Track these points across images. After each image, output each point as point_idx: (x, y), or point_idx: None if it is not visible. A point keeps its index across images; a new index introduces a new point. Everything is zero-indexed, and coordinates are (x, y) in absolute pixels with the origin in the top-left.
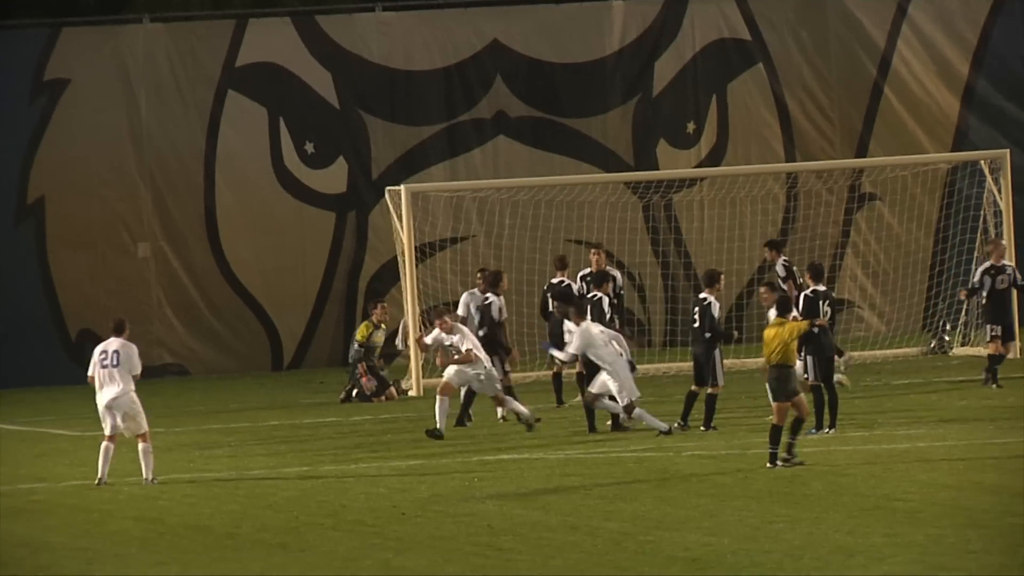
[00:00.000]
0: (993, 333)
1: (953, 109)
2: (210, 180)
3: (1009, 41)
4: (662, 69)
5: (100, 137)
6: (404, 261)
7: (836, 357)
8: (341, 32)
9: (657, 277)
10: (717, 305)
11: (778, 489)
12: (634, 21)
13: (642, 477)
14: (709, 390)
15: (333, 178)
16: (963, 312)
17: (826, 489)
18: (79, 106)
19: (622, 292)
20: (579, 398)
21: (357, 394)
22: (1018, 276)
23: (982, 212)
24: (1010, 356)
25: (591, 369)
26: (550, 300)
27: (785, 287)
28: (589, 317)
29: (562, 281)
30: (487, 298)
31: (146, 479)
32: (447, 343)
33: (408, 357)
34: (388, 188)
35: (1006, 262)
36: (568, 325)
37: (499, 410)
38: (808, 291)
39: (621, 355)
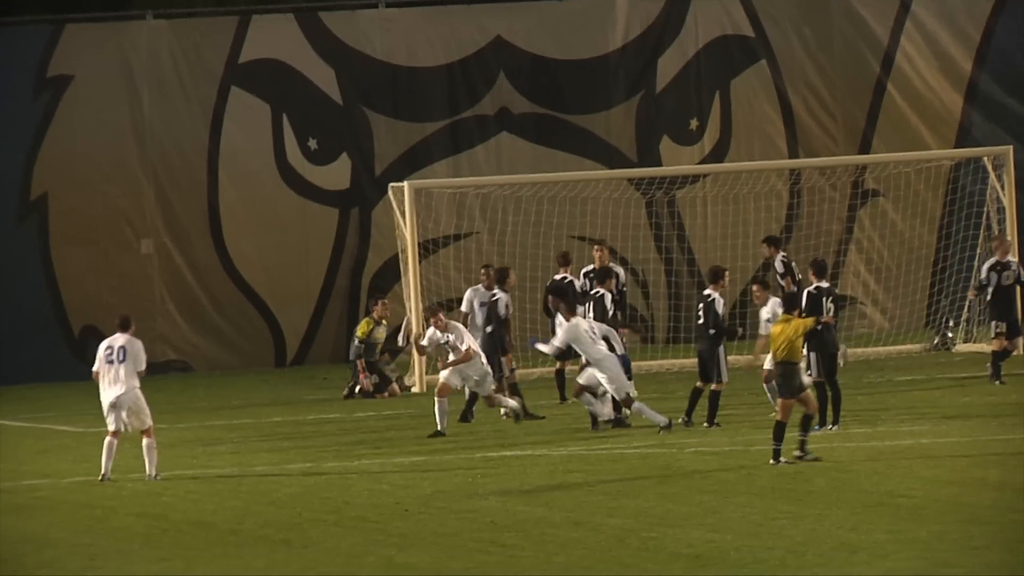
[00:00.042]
0: (998, 330)
1: (956, 105)
2: (213, 176)
3: (1012, 37)
4: (665, 66)
5: (103, 133)
6: (408, 257)
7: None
8: (344, 28)
9: (660, 273)
10: (721, 301)
11: (781, 485)
12: (637, 18)
13: (645, 473)
14: (713, 386)
15: (336, 174)
16: (965, 308)
17: (829, 485)
18: (82, 102)
19: (625, 289)
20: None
21: (360, 390)
22: (1022, 272)
23: (985, 208)
24: (1016, 352)
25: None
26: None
27: (784, 283)
28: (592, 314)
29: (564, 277)
30: (495, 294)
31: (149, 475)
32: (443, 341)
33: (411, 353)
34: (391, 184)
35: (1011, 258)
36: (559, 319)
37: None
38: (811, 288)
39: (613, 351)
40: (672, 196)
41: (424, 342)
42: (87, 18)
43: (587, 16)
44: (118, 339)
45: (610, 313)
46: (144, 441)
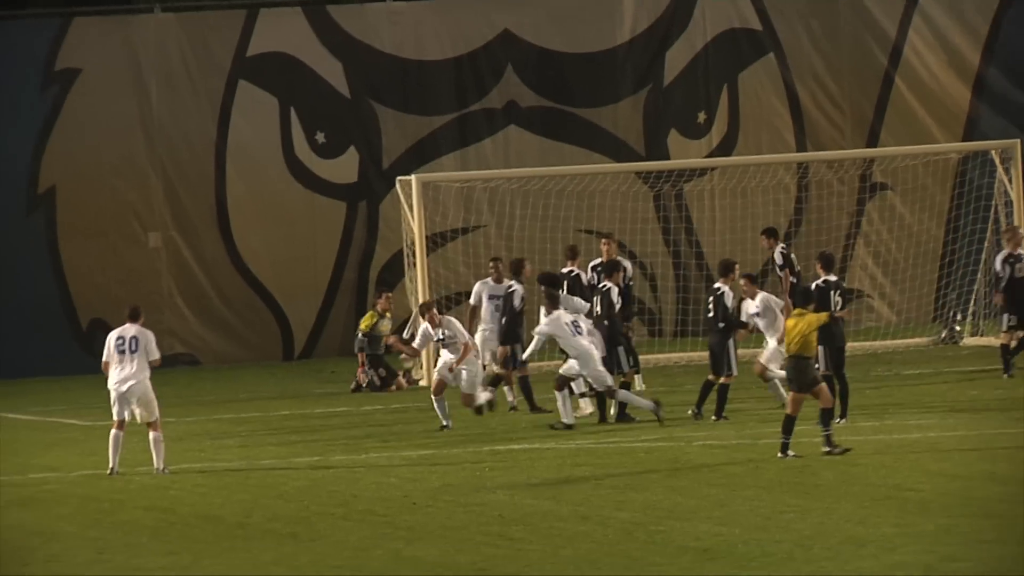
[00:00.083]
0: (1010, 323)
1: (964, 98)
2: (221, 170)
3: (1020, 30)
4: (673, 59)
5: (111, 127)
6: (415, 250)
7: None
8: (352, 22)
9: (668, 267)
10: (731, 295)
11: (789, 479)
12: (645, 11)
13: (653, 467)
14: (722, 379)
15: (344, 168)
16: (972, 302)
17: (837, 479)
18: (90, 96)
19: (631, 282)
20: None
21: (368, 384)
22: None
23: (993, 202)
24: None
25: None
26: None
27: (782, 275)
28: (599, 308)
29: (572, 271)
30: (511, 286)
31: (157, 469)
32: (437, 338)
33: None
34: (399, 178)
35: (1022, 250)
36: (543, 311)
37: (509, 399)
38: (819, 281)
39: (593, 346)
40: (680, 189)
41: (417, 343)
42: (95, 11)
43: (595, 9)
44: (129, 329)
45: (617, 306)
46: (151, 435)
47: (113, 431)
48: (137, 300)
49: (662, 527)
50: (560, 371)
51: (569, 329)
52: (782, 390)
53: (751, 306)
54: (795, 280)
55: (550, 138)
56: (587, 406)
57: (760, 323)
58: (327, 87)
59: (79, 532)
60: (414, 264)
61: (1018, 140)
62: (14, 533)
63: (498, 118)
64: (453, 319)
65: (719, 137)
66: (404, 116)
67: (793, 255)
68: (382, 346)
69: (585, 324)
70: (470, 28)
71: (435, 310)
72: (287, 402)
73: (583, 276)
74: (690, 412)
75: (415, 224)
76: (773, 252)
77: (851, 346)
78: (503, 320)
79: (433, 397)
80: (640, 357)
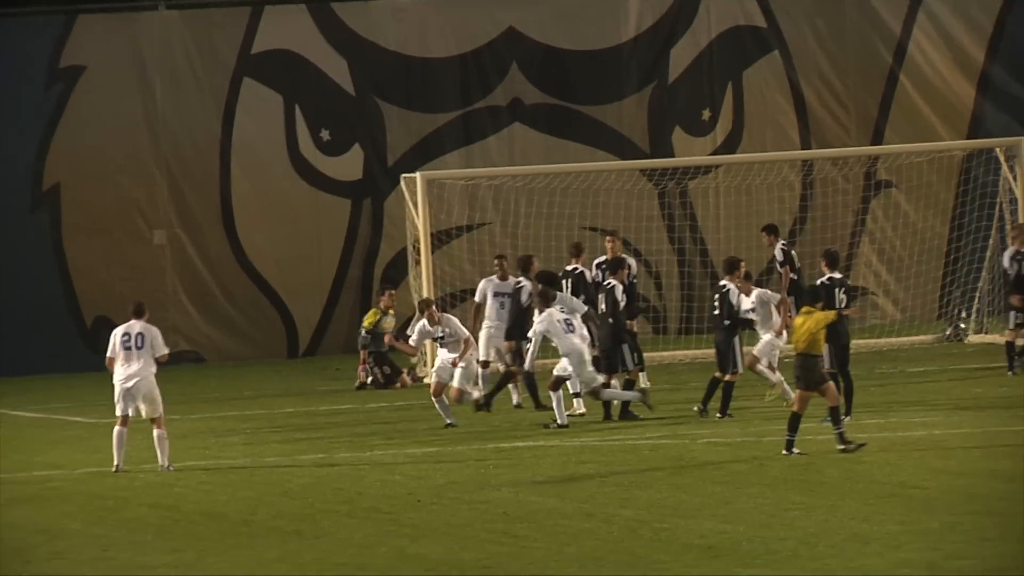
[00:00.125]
0: (1017, 321)
1: (969, 96)
2: (226, 167)
3: None
4: (678, 56)
5: (116, 124)
6: (420, 248)
7: None
8: (357, 19)
9: (673, 264)
10: (736, 292)
11: (793, 476)
12: (650, 8)
13: (657, 464)
14: (727, 377)
15: (349, 165)
16: (977, 299)
17: (841, 476)
18: (95, 93)
19: (635, 280)
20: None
21: (372, 381)
22: None
23: (998, 199)
24: None
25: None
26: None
27: (782, 272)
28: (603, 305)
29: (576, 268)
30: (519, 282)
31: (161, 466)
32: (437, 335)
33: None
34: (403, 175)
35: None
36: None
37: (514, 397)
38: (824, 279)
39: (584, 343)
40: (684, 187)
41: (413, 341)
42: (100, 8)
43: (599, 7)
44: (134, 326)
45: (622, 304)
46: (155, 432)
47: (117, 428)
48: (142, 297)
49: (666, 524)
50: (554, 371)
51: (561, 326)
52: (788, 389)
53: (746, 302)
54: (795, 277)
55: (555, 135)
56: (580, 406)
57: (755, 318)
58: (332, 84)
59: (83, 529)
60: (419, 261)
61: (1022, 137)
62: (18, 531)
63: (503, 115)
64: (452, 317)
65: (724, 134)
66: (409, 113)
67: (794, 252)
68: (383, 344)
69: (577, 323)
70: (475, 25)
71: (434, 307)
72: (292, 399)
73: (587, 273)
74: (695, 409)
75: (420, 221)
76: (774, 249)
77: (856, 343)
78: (511, 316)
79: (433, 399)
80: (644, 354)
